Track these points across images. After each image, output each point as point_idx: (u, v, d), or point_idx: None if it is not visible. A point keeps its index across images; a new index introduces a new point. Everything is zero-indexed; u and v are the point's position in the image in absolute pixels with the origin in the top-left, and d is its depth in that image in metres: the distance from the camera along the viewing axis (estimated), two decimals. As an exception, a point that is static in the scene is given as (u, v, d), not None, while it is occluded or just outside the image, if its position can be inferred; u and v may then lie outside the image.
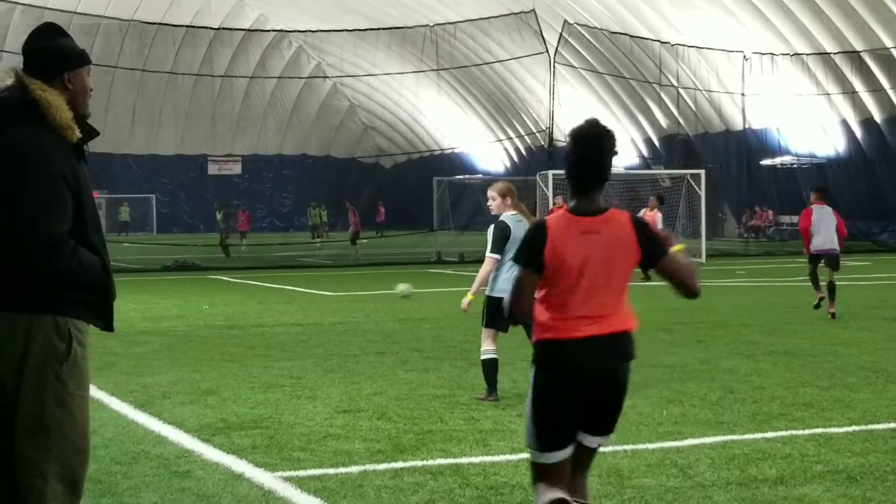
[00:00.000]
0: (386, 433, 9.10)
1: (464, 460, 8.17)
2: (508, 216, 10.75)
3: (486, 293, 10.68)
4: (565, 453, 5.33)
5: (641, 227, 5.41)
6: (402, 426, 9.38)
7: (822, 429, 9.09)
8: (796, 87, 49.86)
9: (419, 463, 8.07)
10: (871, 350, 13.93)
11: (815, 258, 18.78)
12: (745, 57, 46.97)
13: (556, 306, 5.32)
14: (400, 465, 8.02)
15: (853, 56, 47.61)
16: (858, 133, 50.86)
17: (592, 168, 5.39)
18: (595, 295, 5.29)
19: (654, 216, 27.98)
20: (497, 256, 10.60)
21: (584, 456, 5.49)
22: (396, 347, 14.67)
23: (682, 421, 9.48)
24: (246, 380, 11.96)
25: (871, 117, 49.98)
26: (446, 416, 9.82)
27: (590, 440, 5.46)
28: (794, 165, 51.48)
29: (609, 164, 5.44)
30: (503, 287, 10.02)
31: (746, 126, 50.25)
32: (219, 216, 50.86)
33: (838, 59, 48.27)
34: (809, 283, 18.97)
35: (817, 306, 18.41)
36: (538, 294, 5.38)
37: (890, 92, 48.16)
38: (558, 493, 5.27)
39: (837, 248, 18.60)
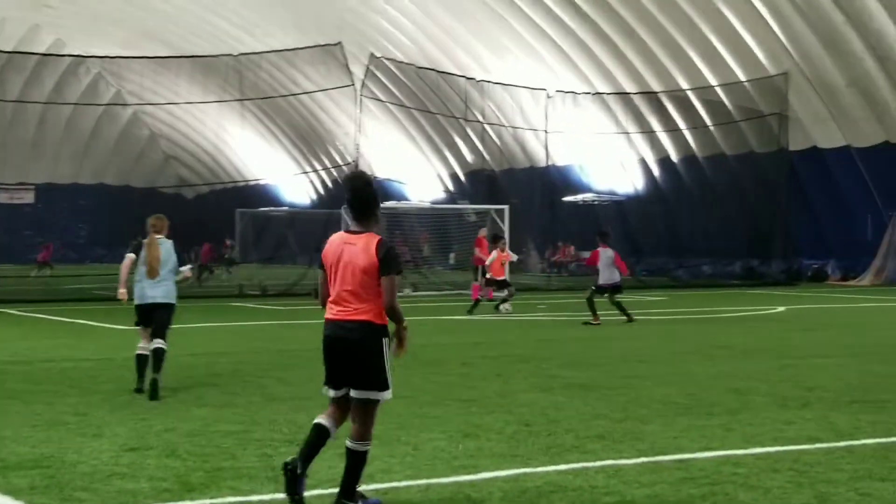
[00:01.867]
0: (174, 471, 8.79)
1: (254, 498, 7.96)
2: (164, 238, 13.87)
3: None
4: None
5: (380, 247, 7.59)
6: (192, 464, 9.08)
7: (612, 461, 9.17)
8: (598, 125, 51.14)
9: (207, 501, 7.82)
10: (663, 383, 14.20)
11: (600, 290, 24.14)
12: (548, 95, 47.91)
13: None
14: (187, 503, 7.75)
15: (652, 97, 49.09)
16: (656, 171, 52.41)
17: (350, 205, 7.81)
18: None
19: (506, 256, 28.57)
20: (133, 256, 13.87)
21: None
22: (191, 382, 14.30)
23: (477, 454, 9.44)
24: (28, 417, 11.42)
25: (668, 156, 51.58)
26: (239, 452, 9.56)
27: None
28: (595, 202, 52.69)
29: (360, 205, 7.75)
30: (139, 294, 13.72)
31: (550, 162, 51.21)
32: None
33: (637, 100, 49.68)
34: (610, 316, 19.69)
35: (587, 323, 23.08)
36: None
37: (686, 132, 49.80)
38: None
39: (618, 280, 24.30)
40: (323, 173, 68.84)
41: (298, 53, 48.44)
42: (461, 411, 11.73)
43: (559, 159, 53.39)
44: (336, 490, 7.66)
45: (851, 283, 43.49)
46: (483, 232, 33.06)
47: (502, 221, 38.17)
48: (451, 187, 61.62)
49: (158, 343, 13.40)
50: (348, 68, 42.64)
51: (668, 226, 50.50)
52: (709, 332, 22.62)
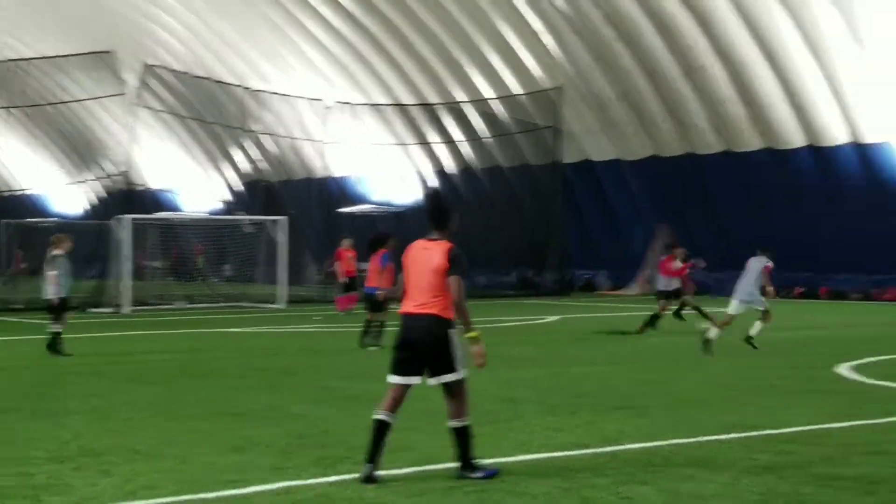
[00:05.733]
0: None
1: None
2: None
3: None
4: None
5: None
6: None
7: (383, 471, 9.09)
8: (376, 136, 51.31)
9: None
10: (433, 392, 14.24)
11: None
12: (326, 105, 47.81)
13: None
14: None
15: (429, 108, 49.54)
16: (434, 183, 52.86)
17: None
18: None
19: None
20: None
21: None
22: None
23: (247, 468, 9.27)
24: None
25: (446, 168, 52.13)
26: (-4, 471, 9.14)
27: None
28: (374, 213, 52.78)
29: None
30: None
31: (328, 173, 51.08)
32: None
33: (415, 111, 50.06)
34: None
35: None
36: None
37: (463, 144, 50.41)
38: None
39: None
40: (97, 183, 66.84)
41: (70, 60, 47.05)
42: (232, 424, 11.52)
43: (337, 170, 53.31)
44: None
45: (620, 292, 44.80)
46: (346, 244, 32.41)
47: (280, 233, 37.83)
48: (228, 198, 60.76)
49: None
50: (120, 76, 41.59)
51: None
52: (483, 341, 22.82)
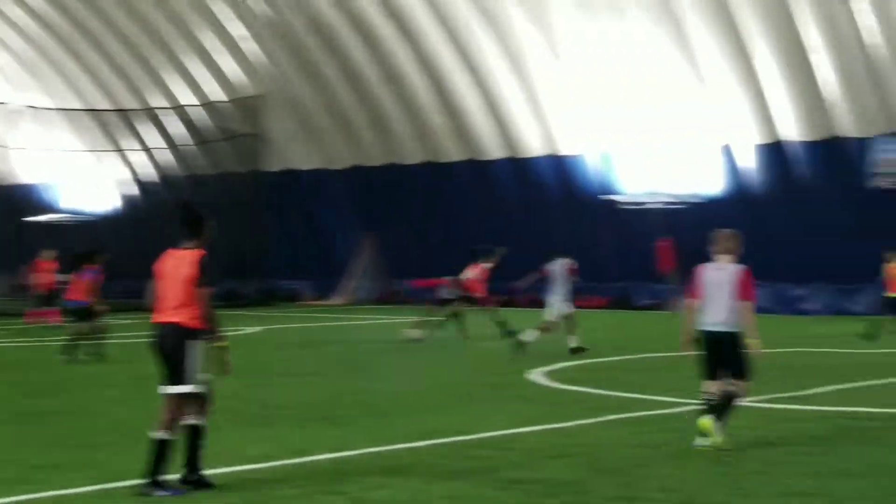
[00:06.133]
0: None
1: None
2: None
3: None
4: None
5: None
6: None
7: (63, 490, 8.68)
8: (68, 142, 49.48)
9: None
10: (126, 407, 13.81)
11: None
12: (11, 109, 45.75)
13: None
14: None
15: (125, 115, 48.21)
16: (132, 190, 51.50)
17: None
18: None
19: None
20: None
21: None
22: None
23: None
24: None
25: (147, 176, 50.84)
26: None
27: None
28: (65, 222, 50.81)
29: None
30: None
31: (14, 180, 48.91)
32: None
33: (113, 118, 48.60)
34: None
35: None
36: None
37: (164, 151, 49.28)
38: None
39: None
40: None
41: None
42: None
43: (25, 177, 51.10)
44: None
45: (324, 302, 44.79)
46: (46, 255, 30.60)
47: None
48: None
49: None
50: None
51: (140, 246, 49.36)
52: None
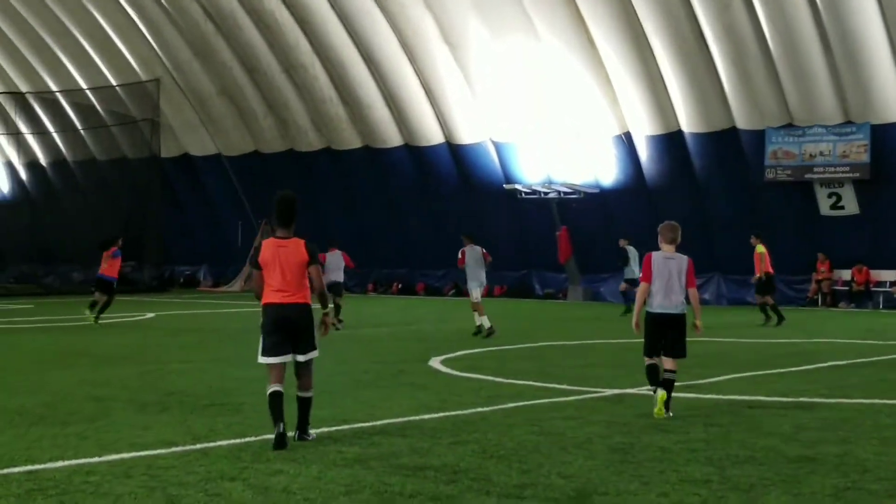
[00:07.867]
0: None
1: None
2: None
3: None
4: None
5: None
6: None
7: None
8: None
9: None
10: (18, 393, 13.58)
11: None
12: None
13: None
14: None
15: (18, 97, 47.31)
16: (23, 175, 50.58)
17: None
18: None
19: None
20: None
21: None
22: None
23: None
24: None
25: (37, 160, 49.95)
26: None
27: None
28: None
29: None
30: None
31: None
32: None
33: (2, 100, 47.67)
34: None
35: None
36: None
37: (55, 135, 48.47)
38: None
39: None
40: None
41: None
42: None
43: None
44: None
45: (222, 289, 44.43)
46: None
47: None
48: None
49: None
50: None
51: (35, 232, 48.68)
52: (74, 340, 22.02)
